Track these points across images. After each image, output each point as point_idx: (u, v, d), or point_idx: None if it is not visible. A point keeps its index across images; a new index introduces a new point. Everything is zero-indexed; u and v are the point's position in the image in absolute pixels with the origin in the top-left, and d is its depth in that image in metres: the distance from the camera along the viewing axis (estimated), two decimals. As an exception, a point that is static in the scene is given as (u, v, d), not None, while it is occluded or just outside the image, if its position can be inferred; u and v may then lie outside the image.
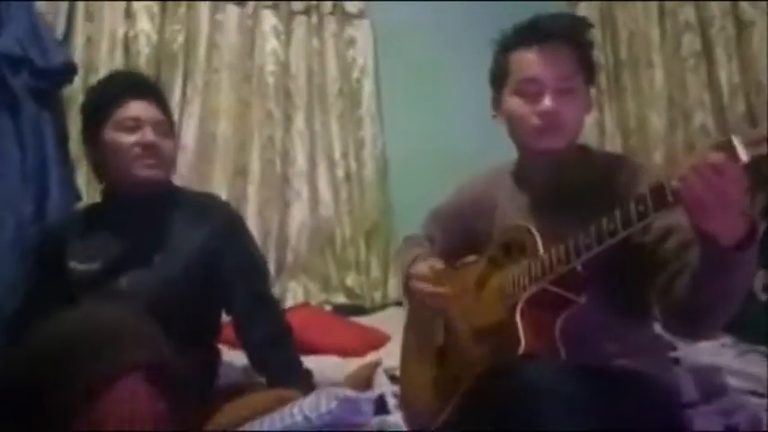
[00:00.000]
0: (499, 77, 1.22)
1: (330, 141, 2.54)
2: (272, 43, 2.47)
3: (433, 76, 2.63)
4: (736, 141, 0.82)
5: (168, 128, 1.41)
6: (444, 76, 2.61)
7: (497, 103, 1.24)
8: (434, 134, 2.61)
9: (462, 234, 1.37)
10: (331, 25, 2.57)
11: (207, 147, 2.37)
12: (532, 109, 1.14)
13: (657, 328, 1.39)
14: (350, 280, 2.50)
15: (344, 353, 1.87)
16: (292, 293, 2.45)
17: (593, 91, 1.24)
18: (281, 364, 1.42)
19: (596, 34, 2.48)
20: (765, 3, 1.85)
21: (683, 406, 1.25)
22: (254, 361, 1.45)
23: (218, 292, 1.42)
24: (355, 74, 2.61)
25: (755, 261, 0.93)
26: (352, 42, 2.61)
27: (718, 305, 0.98)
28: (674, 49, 2.18)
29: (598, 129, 2.49)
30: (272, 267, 2.38)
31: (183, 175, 2.28)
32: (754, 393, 1.38)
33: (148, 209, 1.40)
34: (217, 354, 1.48)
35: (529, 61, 1.15)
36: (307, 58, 2.53)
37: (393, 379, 1.48)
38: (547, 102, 1.13)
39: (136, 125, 1.35)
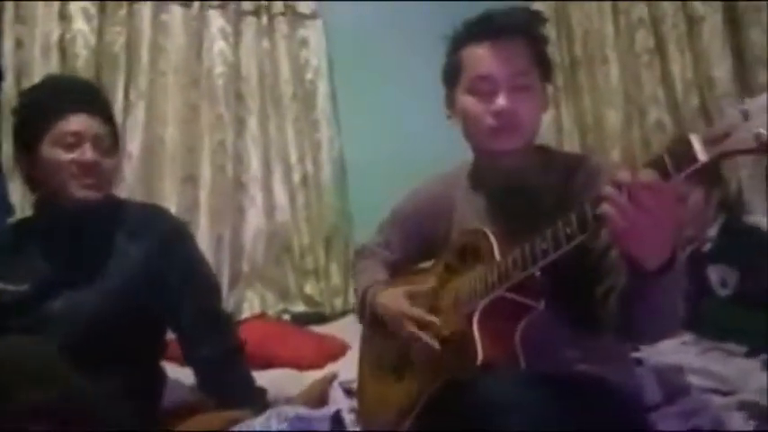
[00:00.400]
0: (451, 75, 1.17)
1: (285, 145, 2.47)
2: (219, 45, 2.38)
3: (390, 76, 2.58)
4: (694, 140, 0.79)
5: (110, 142, 1.32)
6: (402, 76, 2.55)
7: (451, 102, 1.19)
8: (393, 135, 2.56)
9: (419, 238, 1.32)
10: (282, 26, 2.49)
11: (154, 153, 2.26)
12: (486, 108, 1.09)
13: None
14: (309, 287, 2.43)
15: (302, 365, 1.80)
16: (249, 304, 2.37)
17: (549, 88, 1.20)
18: (231, 382, 1.34)
19: (551, 32, 2.48)
20: (714, -1, 1.87)
21: (646, 410, 1.22)
22: (203, 380, 1.37)
23: (162, 309, 1.33)
24: (309, 75, 2.54)
25: (682, 278, 0.90)
26: (304, 43, 2.54)
27: (647, 325, 0.95)
28: (628, 46, 2.18)
29: (555, 127, 2.48)
30: (226, 277, 2.30)
31: (129, 184, 2.19)
32: (716, 392, 1.37)
33: (85, 223, 1.30)
34: (161, 373, 1.39)
35: (481, 57, 1.10)
36: (258, 60, 2.45)
37: (349, 393, 1.42)
38: (501, 100, 1.08)
39: (75, 141, 1.25)
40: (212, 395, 1.35)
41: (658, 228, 0.79)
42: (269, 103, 2.45)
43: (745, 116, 0.75)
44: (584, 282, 1.05)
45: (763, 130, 0.72)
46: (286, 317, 2.38)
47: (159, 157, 2.27)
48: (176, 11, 2.34)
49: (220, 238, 2.31)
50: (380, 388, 1.26)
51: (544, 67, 1.14)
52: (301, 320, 2.37)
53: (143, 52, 2.24)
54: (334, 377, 1.46)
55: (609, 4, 2.20)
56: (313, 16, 2.55)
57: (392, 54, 2.58)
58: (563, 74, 2.45)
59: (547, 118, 2.49)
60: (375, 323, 1.25)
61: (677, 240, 0.86)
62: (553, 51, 2.47)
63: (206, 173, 2.33)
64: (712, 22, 1.88)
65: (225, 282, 2.29)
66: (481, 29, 1.12)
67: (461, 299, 1.10)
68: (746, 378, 1.42)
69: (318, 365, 1.79)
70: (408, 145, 2.49)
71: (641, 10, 2.09)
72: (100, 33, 2.15)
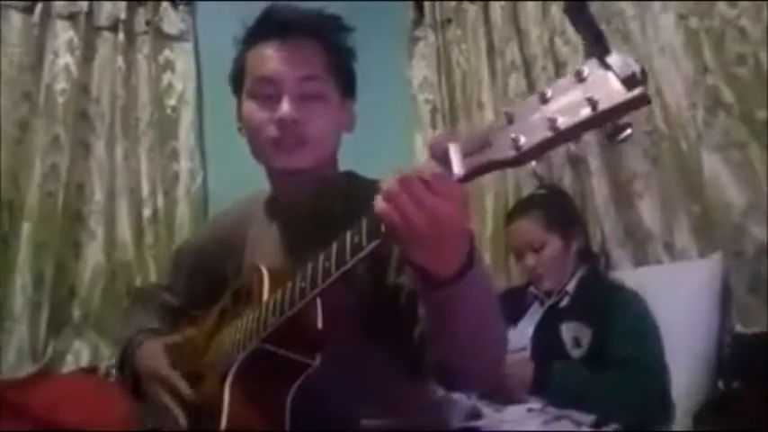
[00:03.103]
0: (236, 79, 1.01)
1: (137, 175, 2.20)
2: (65, 59, 2.12)
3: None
4: (453, 150, 0.62)
5: None
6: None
7: (240, 113, 1.01)
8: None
9: (206, 278, 1.09)
10: (144, 46, 2.27)
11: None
12: (270, 116, 0.92)
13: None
14: (151, 337, 2.12)
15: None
16: (74, 356, 2.02)
17: (353, 106, 1.03)
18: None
19: (432, 77, 2.40)
20: (579, 42, 1.81)
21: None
22: None
23: None
24: (171, 101, 2.30)
25: (488, 296, 0.74)
26: (169, 66, 2.32)
27: (455, 358, 0.77)
28: (503, 90, 2.10)
29: (435, 172, 2.35)
30: (43, 322, 1.95)
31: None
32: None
33: None
34: None
35: (266, 57, 0.94)
36: (111, 80, 2.20)
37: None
38: (284, 107, 0.91)
39: None
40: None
41: (440, 228, 0.61)
42: (119, 128, 2.18)
43: (509, 120, 0.59)
44: (389, 327, 0.88)
45: (522, 137, 0.56)
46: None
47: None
48: (15, 18, 2.08)
49: (41, 276, 1.98)
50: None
51: (344, 79, 0.98)
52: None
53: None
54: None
55: (484, 44, 2.13)
56: (181, 38, 2.34)
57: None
58: (443, 118, 2.34)
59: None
60: (134, 382, 1.02)
61: (474, 250, 0.68)
62: (435, 96, 2.39)
63: (32, 200, 2.02)
64: (574, 65, 1.82)
65: (42, 327, 1.95)
66: (268, 26, 0.96)
67: (221, 353, 0.89)
68: (592, 453, 1.27)
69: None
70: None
71: (514, 53, 2.03)
72: None
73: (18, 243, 1.98)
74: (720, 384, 1.44)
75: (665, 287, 1.58)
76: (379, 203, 0.63)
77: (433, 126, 2.38)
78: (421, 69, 2.44)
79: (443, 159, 0.61)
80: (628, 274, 1.70)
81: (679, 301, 1.54)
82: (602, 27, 1.78)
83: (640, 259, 1.77)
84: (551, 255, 1.56)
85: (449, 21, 2.35)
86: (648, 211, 1.72)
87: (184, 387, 0.89)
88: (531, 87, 1.97)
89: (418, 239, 0.62)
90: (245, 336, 0.83)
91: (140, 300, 1.19)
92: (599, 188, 1.81)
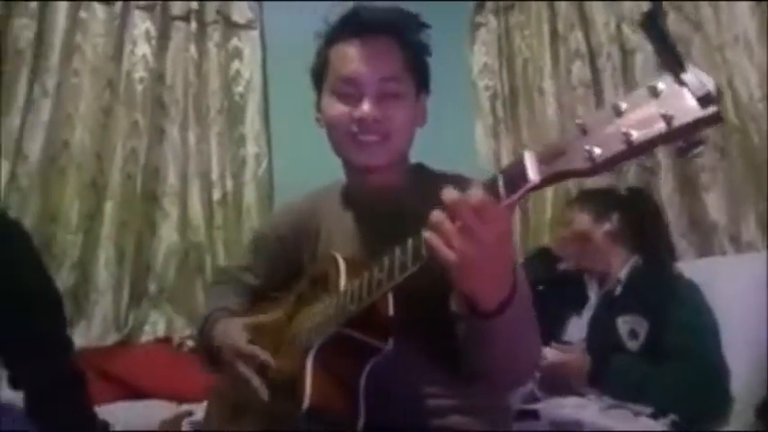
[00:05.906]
0: (318, 75, 1.05)
1: (207, 159, 2.32)
2: (143, 48, 2.24)
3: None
4: (528, 158, 0.65)
5: None
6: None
7: (319, 105, 1.06)
8: (329, 155, 2.41)
9: (284, 261, 1.16)
10: (214, 34, 2.37)
11: (55, 157, 2.09)
12: (350, 114, 0.97)
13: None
14: (220, 312, 2.25)
15: (183, 397, 1.63)
16: (152, 326, 2.18)
17: (426, 100, 1.07)
18: (57, 413, 1.17)
19: (493, 63, 2.40)
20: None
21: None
22: (28, 407, 1.19)
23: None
24: (239, 88, 2.41)
25: (529, 321, 0.78)
26: (237, 54, 2.42)
27: (492, 371, 0.84)
28: (566, 78, 2.09)
29: (495, 158, 2.37)
30: (125, 294, 2.11)
31: (23, 186, 2.02)
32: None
33: None
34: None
35: (348, 57, 0.98)
36: (184, 68, 2.31)
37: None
38: (365, 106, 0.95)
39: None
40: (37, 424, 1.18)
41: (490, 260, 0.65)
42: (192, 113, 2.30)
43: (583, 131, 0.62)
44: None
45: (597, 148, 0.59)
46: (190, 343, 2.20)
47: (62, 161, 2.10)
48: (98, 9, 2.21)
49: (122, 252, 2.14)
50: (221, 426, 1.10)
51: (420, 76, 1.02)
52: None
53: (54, 50, 2.10)
54: (186, 415, 1.29)
55: (548, 30, 2.11)
56: (249, 26, 2.43)
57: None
58: (503, 104, 2.34)
59: (486, 150, 2.39)
60: (211, 355, 1.10)
61: (516, 275, 0.72)
62: (495, 82, 2.39)
63: (114, 182, 2.17)
64: (645, 54, 1.79)
65: (124, 299, 2.11)
66: (351, 25, 0.99)
67: (301, 334, 0.96)
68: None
69: (200, 398, 1.62)
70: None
71: (578, 40, 2.01)
72: (3, 25, 2.00)
73: (102, 221, 2.15)
74: (785, 380, 1.42)
75: (728, 279, 1.55)
76: (427, 235, 0.67)
77: (493, 113, 2.38)
78: (482, 56, 2.44)
79: (517, 166, 0.65)
80: (691, 266, 1.69)
81: (742, 292, 1.51)
82: (672, 15, 1.76)
83: (705, 251, 1.75)
84: (602, 240, 1.58)
85: (511, 6, 2.33)
86: (715, 204, 1.70)
87: (268, 358, 0.96)
88: (596, 75, 1.95)
89: (467, 269, 0.66)
90: (325, 320, 0.90)
91: (221, 279, 1.27)
92: (665, 180, 1.79)
